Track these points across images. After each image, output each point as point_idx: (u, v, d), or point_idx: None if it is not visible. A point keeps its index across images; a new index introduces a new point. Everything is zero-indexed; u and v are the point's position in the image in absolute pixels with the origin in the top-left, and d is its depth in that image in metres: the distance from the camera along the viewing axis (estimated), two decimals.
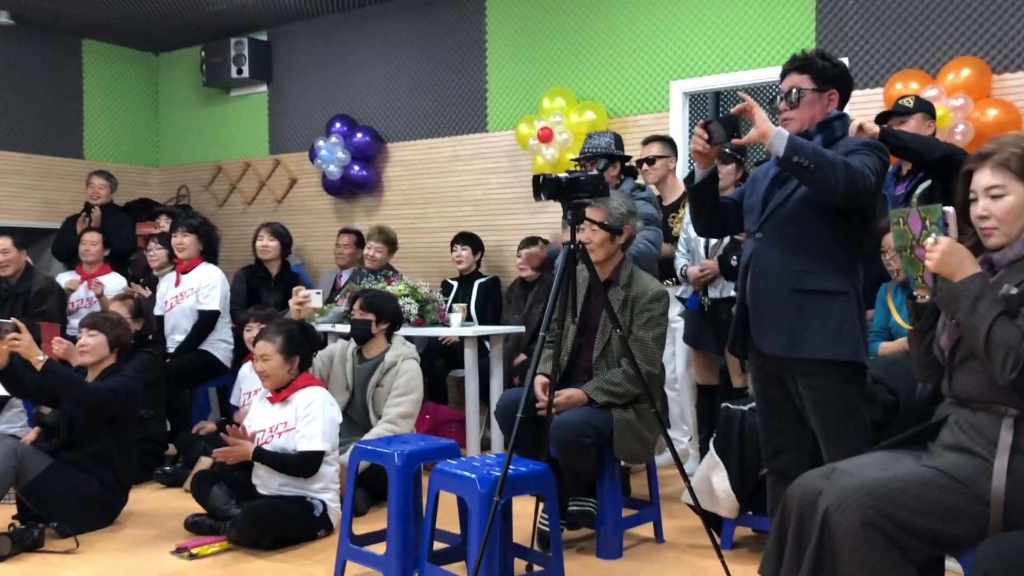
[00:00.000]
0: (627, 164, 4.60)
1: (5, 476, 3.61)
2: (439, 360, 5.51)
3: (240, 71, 7.10)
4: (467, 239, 5.83)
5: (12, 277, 5.50)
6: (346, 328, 4.71)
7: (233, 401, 5.01)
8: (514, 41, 6.13)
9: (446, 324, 5.07)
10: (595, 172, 3.08)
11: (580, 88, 5.81)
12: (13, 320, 3.76)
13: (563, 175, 2.97)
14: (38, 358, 3.71)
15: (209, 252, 5.65)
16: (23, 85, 7.16)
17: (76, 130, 7.52)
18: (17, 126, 7.12)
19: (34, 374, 3.74)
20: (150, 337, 5.01)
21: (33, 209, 7.15)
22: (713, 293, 4.44)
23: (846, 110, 2.86)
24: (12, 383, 3.84)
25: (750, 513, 3.43)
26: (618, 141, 4.58)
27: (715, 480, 3.42)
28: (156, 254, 5.80)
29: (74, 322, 5.65)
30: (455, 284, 5.82)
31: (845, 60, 4.13)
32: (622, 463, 3.58)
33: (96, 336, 4.03)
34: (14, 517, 3.76)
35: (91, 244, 6.00)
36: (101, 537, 3.77)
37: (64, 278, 6.00)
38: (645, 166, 4.74)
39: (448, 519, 3.20)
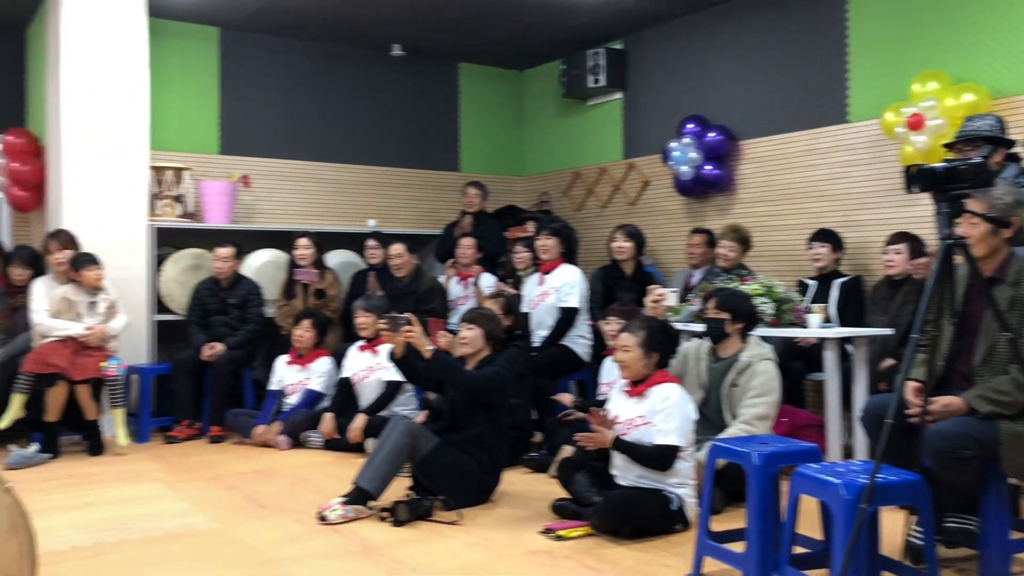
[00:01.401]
0: (1011, 150, 4.13)
1: (403, 451, 4.12)
2: (796, 362, 5.33)
3: (597, 80, 7.41)
4: (826, 236, 5.57)
5: (405, 278, 6.26)
6: (699, 327, 4.74)
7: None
8: (879, 26, 5.76)
9: (803, 325, 4.91)
10: (978, 159, 2.82)
11: (957, 69, 5.30)
12: (407, 315, 4.28)
13: (939, 164, 2.76)
14: (427, 348, 4.20)
15: (569, 253, 5.98)
16: (410, 108, 8.09)
17: (453, 146, 8.35)
18: (405, 145, 8.07)
19: (423, 362, 4.24)
20: (518, 332, 5.42)
21: (418, 218, 8.05)
22: None
23: None
24: (407, 370, 4.38)
25: None
26: (1001, 124, 4.13)
27: None
28: (522, 256, 6.26)
29: (454, 318, 6.28)
30: (812, 284, 5.60)
31: None
32: (1010, 480, 3.23)
33: (474, 329, 4.46)
34: (409, 488, 4.27)
35: (466, 248, 6.63)
36: (479, 513, 4.16)
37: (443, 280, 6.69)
38: None
39: (807, 524, 3.11)
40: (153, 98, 6.48)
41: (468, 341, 4.45)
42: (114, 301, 5.64)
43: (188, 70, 7.07)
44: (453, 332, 5.38)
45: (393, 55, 7.76)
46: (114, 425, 5.53)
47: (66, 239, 5.66)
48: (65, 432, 5.54)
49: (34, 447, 5.27)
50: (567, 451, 4.57)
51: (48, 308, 5.47)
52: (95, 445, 5.50)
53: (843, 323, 5.22)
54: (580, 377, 5.91)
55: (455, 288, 6.56)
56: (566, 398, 5.11)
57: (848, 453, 4.97)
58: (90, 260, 5.53)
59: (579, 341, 5.79)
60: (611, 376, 4.72)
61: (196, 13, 6.81)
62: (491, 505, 4.31)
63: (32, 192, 6.66)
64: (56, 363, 5.27)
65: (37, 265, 5.86)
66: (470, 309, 4.72)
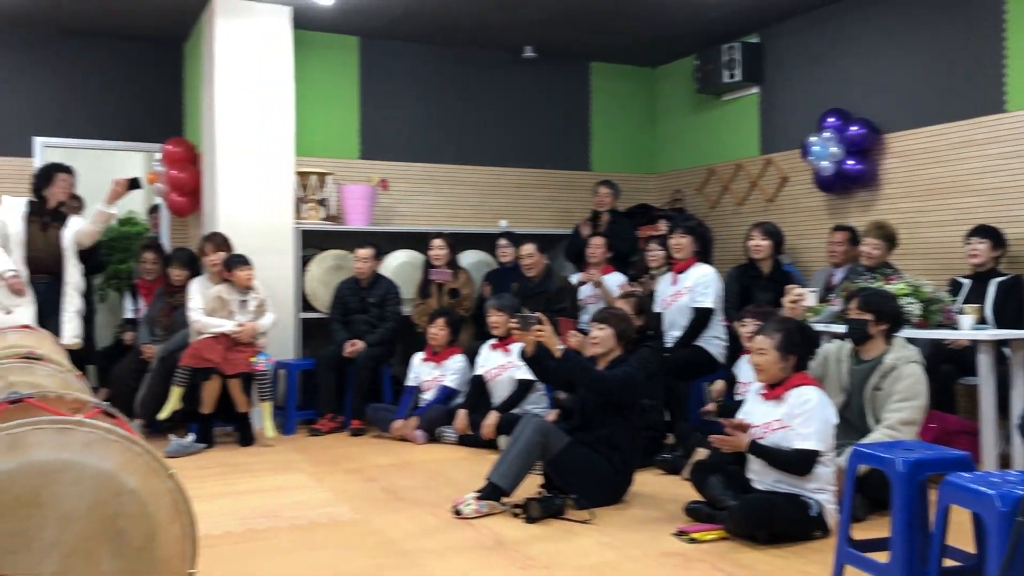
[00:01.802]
0: None
1: (534, 448, 4.16)
2: (946, 365, 5.07)
3: (732, 75, 7.26)
4: (986, 232, 5.24)
5: (536, 277, 6.32)
6: (841, 328, 4.57)
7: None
8: None
9: (954, 326, 4.66)
10: None
11: None
12: (538, 314, 4.32)
13: None
14: (558, 347, 4.23)
15: (703, 252, 5.89)
16: (542, 109, 8.15)
17: (584, 145, 8.35)
18: (537, 146, 8.13)
19: (554, 361, 4.27)
20: (650, 332, 5.38)
21: (549, 218, 8.10)
22: None
23: None
24: (538, 368, 4.42)
25: None
26: None
27: None
28: (655, 255, 6.21)
29: (584, 318, 6.30)
30: (966, 283, 5.30)
31: None
32: None
33: (605, 329, 4.46)
34: (541, 486, 4.31)
35: (596, 247, 6.62)
36: (611, 512, 4.16)
37: (575, 280, 6.71)
38: None
39: (958, 536, 2.95)
40: (298, 106, 6.79)
41: (599, 341, 4.45)
42: (263, 300, 5.94)
43: (330, 78, 7.36)
44: (584, 332, 5.39)
45: (525, 57, 7.83)
46: (262, 417, 5.82)
47: (220, 241, 6.00)
48: (218, 423, 5.88)
49: (191, 437, 5.62)
50: (701, 453, 4.51)
51: (203, 306, 5.82)
52: (245, 436, 5.81)
53: (1000, 324, 4.93)
54: (715, 379, 5.80)
55: (585, 288, 6.57)
56: (711, 407, 5.07)
57: (1005, 463, 4.68)
58: (242, 261, 5.84)
59: (714, 342, 5.69)
60: (746, 377, 4.61)
61: (337, 23, 7.08)
62: (623, 505, 4.30)
63: (189, 197, 7.09)
64: (210, 358, 5.60)
65: (193, 266, 6.23)
66: (601, 309, 4.72)
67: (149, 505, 1.66)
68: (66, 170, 5.82)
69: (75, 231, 5.74)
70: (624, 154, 8.48)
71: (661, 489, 4.58)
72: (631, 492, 4.40)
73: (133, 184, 5.88)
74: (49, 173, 5.77)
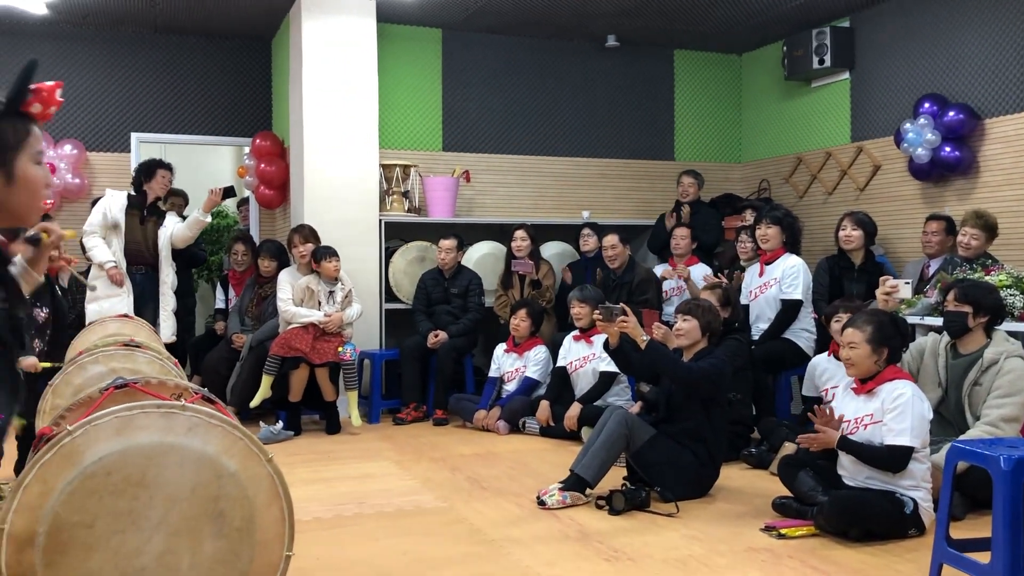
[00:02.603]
0: None
1: (618, 440, 4.14)
2: None
3: (822, 61, 7.06)
4: None
5: (619, 268, 6.27)
6: (937, 321, 4.42)
7: (805, 392, 5.03)
8: None
9: None
10: None
11: None
12: (622, 305, 4.29)
13: None
14: (642, 338, 4.19)
15: (792, 243, 5.75)
16: (625, 99, 8.08)
17: (668, 135, 8.25)
18: (620, 136, 8.07)
19: (638, 353, 4.23)
20: (736, 325, 5.29)
21: (632, 208, 8.03)
22: None
23: None
24: (621, 360, 4.39)
25: None
26: None
27: None
28: (744, 246, 6.10)
29: (668, 309, 6.23)
30: None
31: None
32: None
33: (690, 321, 4.40)
34: (624, 478, 4.29)
35: (680, 238, 6.54)
36: (696, 506, 4.11)
37: (659, 270, 6.64)
38: None
39: None
40: (381, 100, 6.88)
41: (684, 333, 4.39)
42: (350, 290, 6.05)
43: (413, 71, 7.44)
44: (668, 324, 5.33)
45: (608, 46, 7.77)
46: (349, 406, 5.93)
47: (308, 233, 6.13)
48: (306, 411, 6.02)
49: (280, 424, 5.76)
50: (788, 448, 4.42)
51: (292, 297, 5.96)
52: (332, 424, 5.93)
53: None
54: (802, 372, 5.66)
55: (669, 279, 6.50)
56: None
57: None
58: (329, 253, 5.96)
59: (802, 335, 5.56)
60: (831, 378, 4.50)
61: (420, 16, 7.14)
62: (709, 499, 4.24)
63: (277, 191, 7.26)
64: (299, 347, 5.73)
65: (282, 257, 6.38)
66: (686, 300, 4.65)
67: (248, 488, 1.71)
68: (167, 167, 6.03)
69: (170, 233, 5.94)
70: (709, 143, 8.35)
71: (747, 484, 4.51)
72: (717, 486, 4.35)
73: (228, 193, 6.08)
74: (151, 169, 5.98)
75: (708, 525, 3.83)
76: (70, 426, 1.64)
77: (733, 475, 4.61)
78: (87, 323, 5.07)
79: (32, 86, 1.62)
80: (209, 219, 6.13)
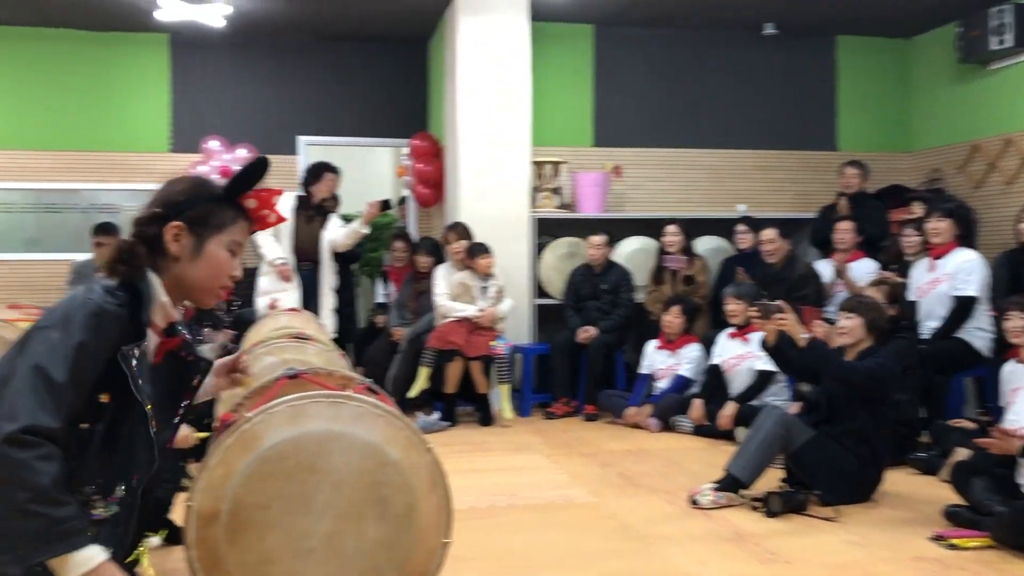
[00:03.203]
0: None
1: (775, 441, 4.03)
2: None
3: (1001, 41, 6.59)
4: None
5: (777, 264, 6.09)
6: None
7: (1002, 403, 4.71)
8: None
9: None
10: None
11: None
12: (780, 302, 4.17)
13: None
14: (802, 336, 4.05)
15: (965, 236, 5.42)
16: (784, 88, 7.82)
17: (830, 124, 7.92)
18: (778, 126, 7.82)
19: (797, 351, 4.10)
20: (903, 323, 5.03)
21: (791, 201, 7.76)
22: None
23: None
24: (779, 359, 4.26)
25: None
26: None
27: None
28: (911, 240, 5.78)
29: (830, 306, 5.99)
30: None
31: None
32: None
33: (853, 319, 4.21)
34: (782, 480, 4.16)
35: (843, 232, 6.26)
36: (857, 511, 3.94)
37: (820, 266, 6.39)
38: None
39: None
40: (534, 97, 6.95)
41: (847, 331, 4.21)
42: (502, 286, 6.16)
43: (565, 68, 7.47)
44: (830, 321, 5.13)
45: (765, 34, 7.55)
46: (501, 399, 6.04)
47: (462, 231, 6.28)
48: (461, 403, 6.17)
49: (436, 415, 5.93)
50: (961, 453, 4.16)
51: (447, 292, 6.12)
52: (485, 416, 6.06)
53: None
54: (978, 374, 5.33)
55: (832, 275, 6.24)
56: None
57: None
58: (482, 249, 6.09)
59: (977, 334, 5.23)
60: (1015, 382, 4.19)
61: (572, 13, 7.16)
62: (871, 504, 4.06)
63: (434, 189, 7.47)
64: (454, 341, 5.89)
65: (439, 254, 6.57)
66: (850, 297, 4.47)
67: (410, 476, 1.78)
68: (333, 170, 6.33)
69: (330, 239, 6.21)
70: (874, 132, 7.96)
71: (915, 489, 4.29)
72: (880, 491, 4.15)
73: (385, 205, 6.30)
74: (319, 171, 6.29)
75: (871, 530, 3.67)
76: (248, 413, 1.77)
77: (898, 480, 4.39)
78: (257, 317, 5.40)
79: (255, 184, 1.66)
80: (367, 231, 6.37)
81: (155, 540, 1.69)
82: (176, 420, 1.67)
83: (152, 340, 1.61)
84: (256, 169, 1.65)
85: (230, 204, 1.66)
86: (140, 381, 1.51)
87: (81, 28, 7.44)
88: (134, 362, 1.50)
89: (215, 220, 1.64)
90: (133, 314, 1.53)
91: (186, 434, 2.90)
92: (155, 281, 1.60)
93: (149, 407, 1.53)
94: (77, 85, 7.51)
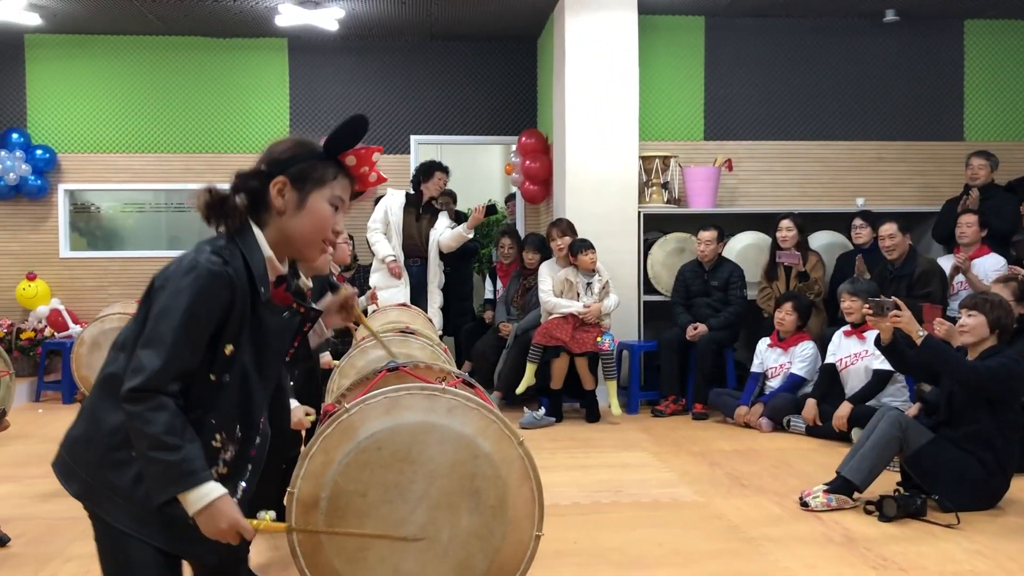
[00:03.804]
0: None
1: (891, 443, 3.87)
2: None
3: None
4: None
5: (897, 260, 5.84)
6: None
7: None
8: None
9: None
10: None
11: None
12: (894, 299, 4.00)
13: None
14: (919, 334, 3.88)
15: None
16: (906, 76, 7.49)
17: (956, 113, 7.55)
18: (899, 116, 7.50)
19: (914, 350, 3.93)
20: None
21: (913, 194, 7.43)
22: None
23: None
24: (894, 358, 4.10)
25: None
26: None
27: None
28: None
29: (954, 304, 5.71)
30: None
31: None
32: None
33: (975, 316, 4.01)
34: (898, 484, 4.00)
35: (967, 226, 5.96)
36: (980, 518, 3.76)
37: (943, 262, 6.10)
38: None
39: None
40: (642, 91, 6.89)
41: (969, 329, 4.01)
42: (607, 282, 6.13)
43: (675, 61, 7.37)
44: (953, 320, 4.89)
45: (886, 21, 7.25)
46: (607, 395, 6.02)
47: (565, 227, 6.28)
48: (568, 399, 6.18)
49: (542, 410, 5.96)
50: None
51: (552, 288, 6.14)
52: (592, 412, 6.05)
53: None
54: None
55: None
56: None
57: None
58: (585, 246, 6.07)
59: None
60: None
61: (682, 5, 7.06)
62: (997, 512, 3.86)
63: (541, 186, 7.50)
64: (559, 337, 5.90)
65: (545, 250, 6.59)
66: (972, 294, 4.25)
67: (502, 468, 1.81)
68: (443, 169, 6.45)
69: (439, 236, 6.33)
70: (1005, 120, 7.54)
71: None
72: (1007, 498, 3.94)
73: (490, 211, 6.39)
74: (430, 170, 6.42)
75: (995, 540, 3.49)
76: (347, 404, 1.83)
77: None
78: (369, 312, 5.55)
79: (354, 142, 1.71)
80: (471, 235, 6.47)
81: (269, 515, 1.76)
82: (287, 360, 1.74)
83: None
84: (355, 126, 1.70)
85: (331, 161, 1.72)
86: (254, 331, 1.62)
87: (207, 35, 7.82)
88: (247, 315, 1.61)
89: (317, 175, 1.70)
90: (240, 270, 1.62)
91: (300, 418, 3.02)
92: (258, 235, 1.68)
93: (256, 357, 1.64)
94: (204, 90, 7.90)
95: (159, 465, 1.54)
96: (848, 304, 5.50)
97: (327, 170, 1.71)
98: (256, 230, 1.67)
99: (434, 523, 1.76)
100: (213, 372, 1.61)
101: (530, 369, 5.97)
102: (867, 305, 4.02)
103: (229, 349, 1.60)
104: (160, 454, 1.53)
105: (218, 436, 1.65)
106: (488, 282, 7.35)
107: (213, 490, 1.56)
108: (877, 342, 4.10)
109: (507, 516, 1.78)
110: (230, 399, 1.65)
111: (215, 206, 1.63)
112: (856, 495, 3.91)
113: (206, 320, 1.57)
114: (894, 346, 4.00)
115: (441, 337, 6.69)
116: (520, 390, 6.02)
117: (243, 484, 1.76)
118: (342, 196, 1.73)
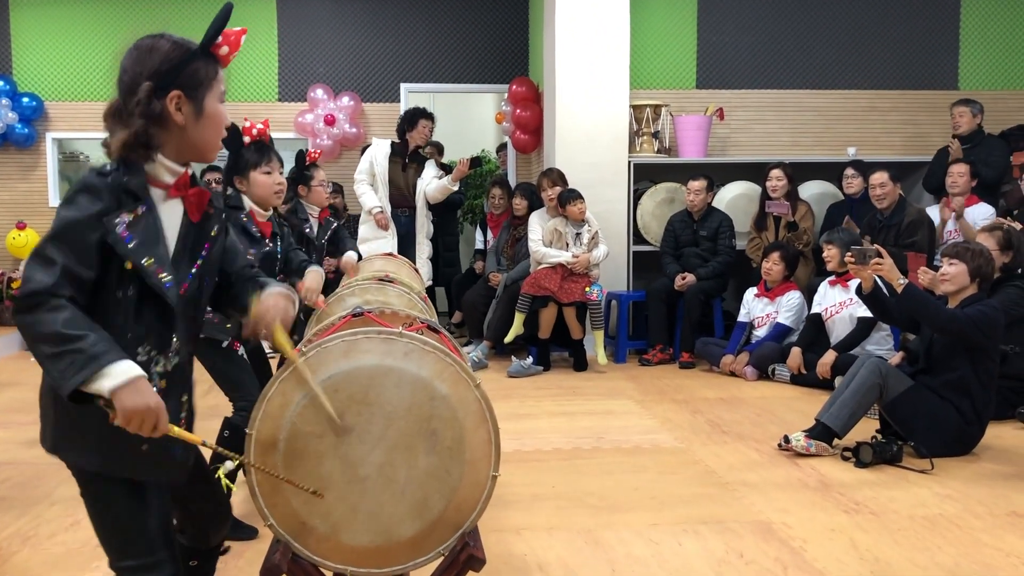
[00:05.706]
0: None
1: (870, 390, 3.90)
2: None
3: None
4: None
5: (887, 209, 5.82)
6: None
7: None
8: None
9: None
10: None
11: None
12: (876, 247, 4.00)
13: None
14: (899, 282, 3.88)
15: None
16: (901, 23, 7.37)
17: (951, 61, 7.45)
18: (893, 65, 7.40)
19: (894, 298, 3.94)
20: (1019, 271, 4.75)
21: (906, 144, 7.38)
22: None
23: None
24: (875, 305, 4.10)
25: None
26: None
27: None
28: None
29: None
30: None
31: None
32: None
33: (956, 265, 4.01)
34: (877, 431, 4.04)
35: (958, 175, 5.92)
36: (954, 464, 3.80)
37: (933, 211, 6.08)
38: None
39: None
40: (633, 39, 6.80)
41: (949, 278, 4.02)
42: (596, 232, 6.12)
43: (667, 8, 7.26)
44: (937, 269, 4.90)
45: None
46: (595, 345, 6.05)
47: (556, 177, 6.25)
48: (556, 348, 6.21)
49: (530, 359, 6.00)
50: None
51: (542, 238, 6.13)
52: (579, 362, 6.08)
53: None
54: None
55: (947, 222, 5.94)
56: None
57: None
58: (574, 196, 6.05)
59: None
60: None
61: None
62: (971, 458, 3.90)
63: (532, 135, 7.45)
64: (548, 287, 5.91)
65: (534, 199, 6.57)
66: (953, 243, 4.25)
67: (458, 411, 1.82)
68: (428, 116, 6.39)
69: (423, 189, 6.29)
70: (1001, 69, 7.45)
71: (1020, 444, 4.10)
72: (981, 445, 3.98)
73: (475, 163, 6.33)
74: (414, 118, 6.36)
75: (966, 485, 3.53)
76: (304, 348, 1.85)
77: (1003, 435, 4.20)
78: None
79: (222, 29, 1.69)
80: (456, 187, 6.43)
81: (230, 464, 1.78)
82: (193, 271, 1.71)
83: (163, 199, 1.65)
84: (223, 18, 1.69)
85: (208, 57, 1.70)
86: (136, 243, 1.57)
87: None
88: (122, 227, 1.56)
89: (203, 77, 1.67)
90: (121, 181, 1.59)
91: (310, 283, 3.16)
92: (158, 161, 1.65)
93: (150, 261, 1.59)
94: (193, 37, 7.78)
95: (66, 359, 1.47)
96: (827, 252, 5.50)
97: (210, 68, 1.69)
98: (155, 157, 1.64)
99: (391, 464, 1.78)
100: (119, 289, 1.59)
101: (518, 318, 6.00)
102: (849, 253, 4.02)
103: (129, 264, 1.57)
104: (63, 346, 1.47)
105: (141, 349, 1.62)
106: (479, 232, 7.34)
107: (132, 368, 1.51)
108: (859, 290, 4.11)
109: (464, 457, 1.80)
110: (144, 313, 1.62)
111: (141, 142, 1.61)
112: (835, 442, 3.95)
113: (84, 231, 1.53)
114: (875, 294, 4.01)
115: (432, 287, 6.71)
116: (508, 339, 6.05)
117: (185, 396, 1.75)
118: (223, 89, 1.72)
